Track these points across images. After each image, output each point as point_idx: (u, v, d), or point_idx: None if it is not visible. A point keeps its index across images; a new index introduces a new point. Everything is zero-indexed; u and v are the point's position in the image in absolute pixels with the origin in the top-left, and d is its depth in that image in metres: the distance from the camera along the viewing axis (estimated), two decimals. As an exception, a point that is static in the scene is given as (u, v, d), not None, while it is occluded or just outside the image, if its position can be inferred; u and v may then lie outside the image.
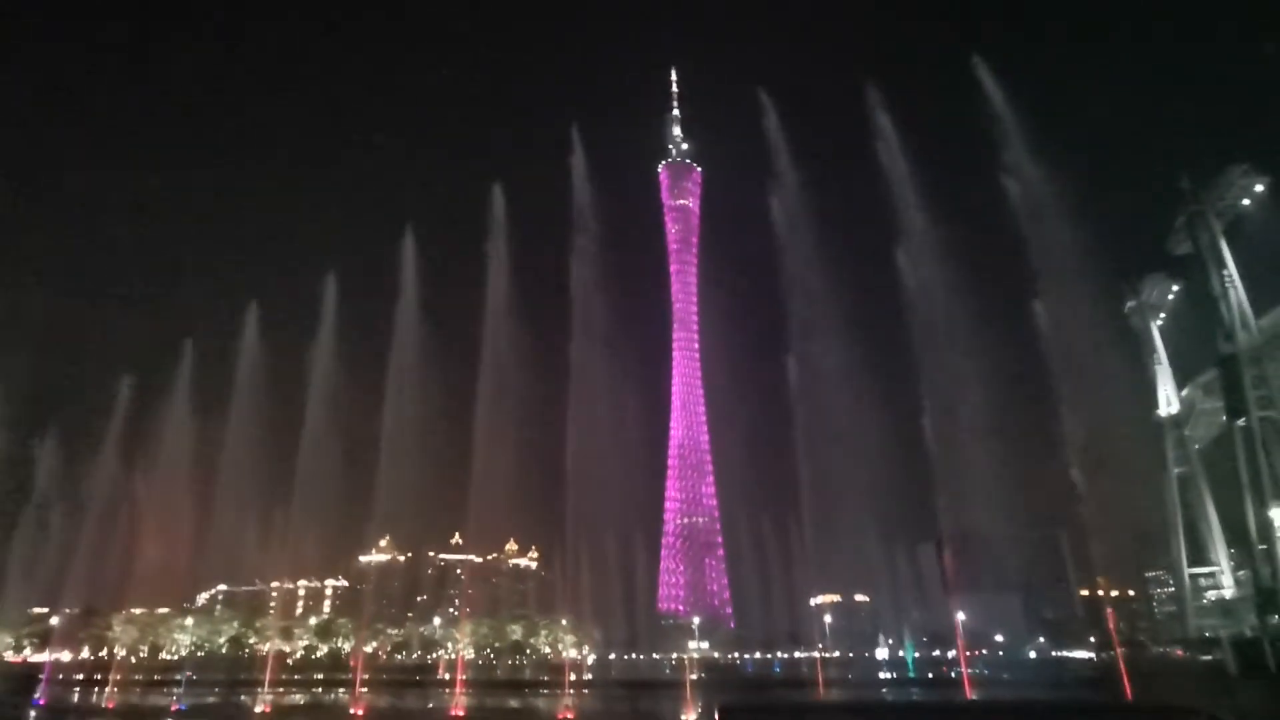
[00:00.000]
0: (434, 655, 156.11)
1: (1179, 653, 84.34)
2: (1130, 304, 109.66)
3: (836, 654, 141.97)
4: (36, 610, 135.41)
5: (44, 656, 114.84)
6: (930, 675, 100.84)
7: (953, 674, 73.37)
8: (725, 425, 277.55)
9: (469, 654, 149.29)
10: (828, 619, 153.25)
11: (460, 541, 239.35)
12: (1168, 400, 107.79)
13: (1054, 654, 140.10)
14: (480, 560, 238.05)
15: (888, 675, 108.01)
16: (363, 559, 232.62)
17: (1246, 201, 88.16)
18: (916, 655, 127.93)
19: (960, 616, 67.87)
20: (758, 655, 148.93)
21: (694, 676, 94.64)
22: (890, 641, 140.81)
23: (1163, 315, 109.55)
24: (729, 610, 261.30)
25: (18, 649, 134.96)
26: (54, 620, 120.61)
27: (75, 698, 79.08)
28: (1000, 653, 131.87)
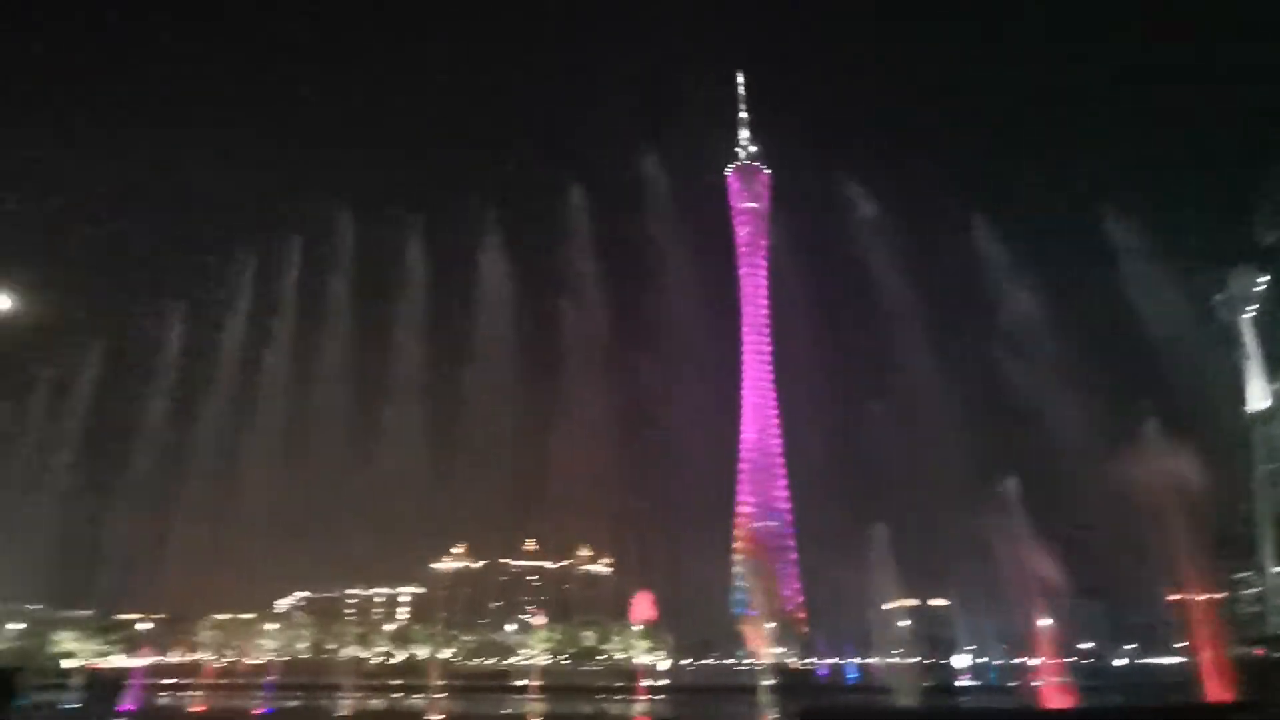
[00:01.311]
0: (509, 661, 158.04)
1: (1258, 652, 79.35)
2: (1218, 297, 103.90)
3: (914, 660, 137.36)
4: (124, 616, 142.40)
5: (133, 662, 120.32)
6: (1013, 683, 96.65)
7: (1037, 683, 69.98)
8: (797, 429, 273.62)
9: (543, 660, 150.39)
10: (904, 624, 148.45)
11: (533, 548, 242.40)
12: (1257, 395, 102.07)
13: (1142, 660, 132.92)
14: (553, 566, 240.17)
15: (969, 683, 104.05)
16: (437, 566, 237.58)
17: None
18: (998, 663, 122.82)
19: (1045, 622, 64.61)
20: (832, 660, 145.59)
21: (768, 682, 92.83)
22: (971, 648, 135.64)
23: (1252, 308, 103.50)
24: (802, 615, 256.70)
25: (106, 655, 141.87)
26: (141, 626, 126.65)
27: (164, 701, 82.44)
28: (1087, 660, 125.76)
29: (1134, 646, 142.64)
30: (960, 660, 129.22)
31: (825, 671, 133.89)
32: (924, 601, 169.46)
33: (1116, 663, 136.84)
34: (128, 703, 71.34)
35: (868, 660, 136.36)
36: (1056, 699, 54.63)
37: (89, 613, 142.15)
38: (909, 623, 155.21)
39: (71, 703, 70.89)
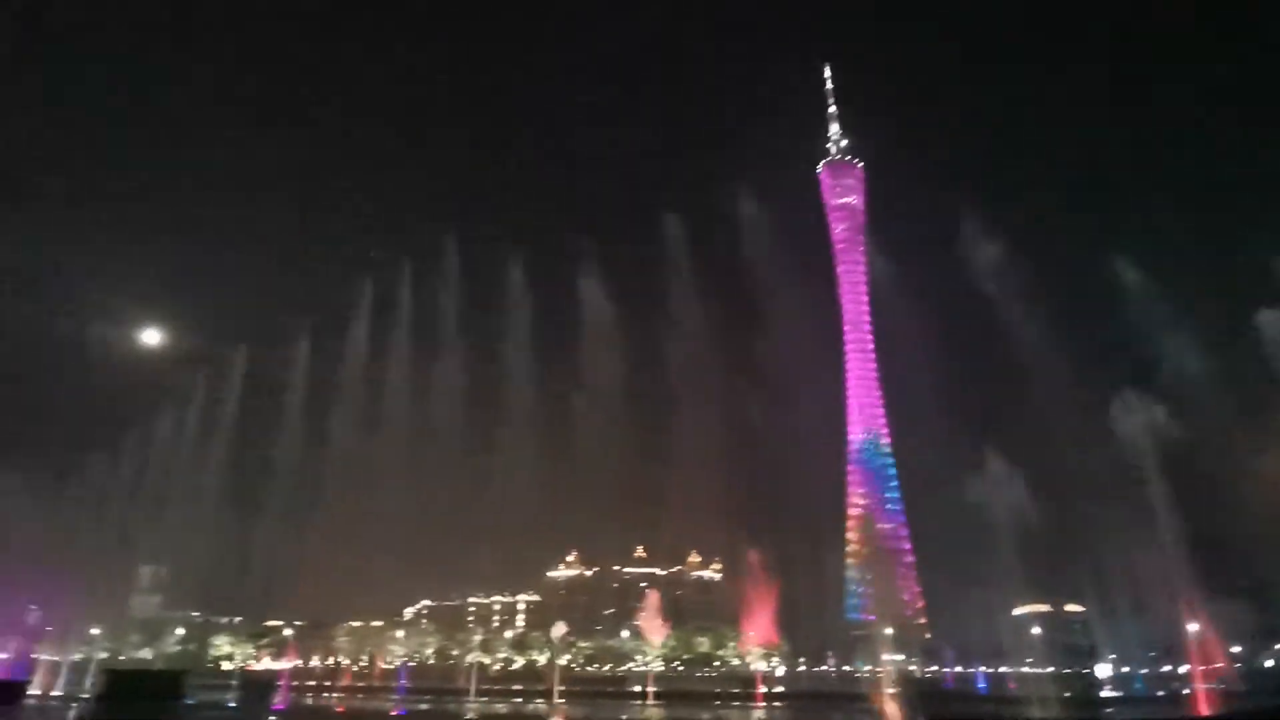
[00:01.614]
0: (624, 667, 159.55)
1: None
2: None
3: (1049, 669, 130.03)
4: (271, 623, 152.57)
5: (280, 665, 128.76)
6: (1162, 693, 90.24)
7: (1186, 690, 65.20)
8: (907, 427, 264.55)
9: (658, 666, 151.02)
10: (1035, 631, 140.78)
11: (644, 555, 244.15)
12: None
13: None
14: (664, 573, 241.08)
15: (1112, 693, 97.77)
16: (551, 574, 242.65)
17: None
18: (1144, 672, 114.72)
19: (1193, 627, 60.10)
20: (957, 669, 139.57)
21: (890, 690, 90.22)
22: (1113, 656, 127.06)
23: None
24: (922, 620, 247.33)
25: (257, 658, 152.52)
26: (286, 631, 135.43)
27: (309, 701, 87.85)
28: (1237, 664, 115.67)
29: None
30: (1103, 670, 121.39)
31: (951, 681, 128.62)
32: (1058, 607, 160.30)
33: (1266, 664, 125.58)
34: (278, 702, 76.41)
35: (998, 669, 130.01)
36: (1214, 706, 50.80)
37: (239, 619, 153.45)
38: (1041, 630, 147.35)
39: (230, 702, 76.73)
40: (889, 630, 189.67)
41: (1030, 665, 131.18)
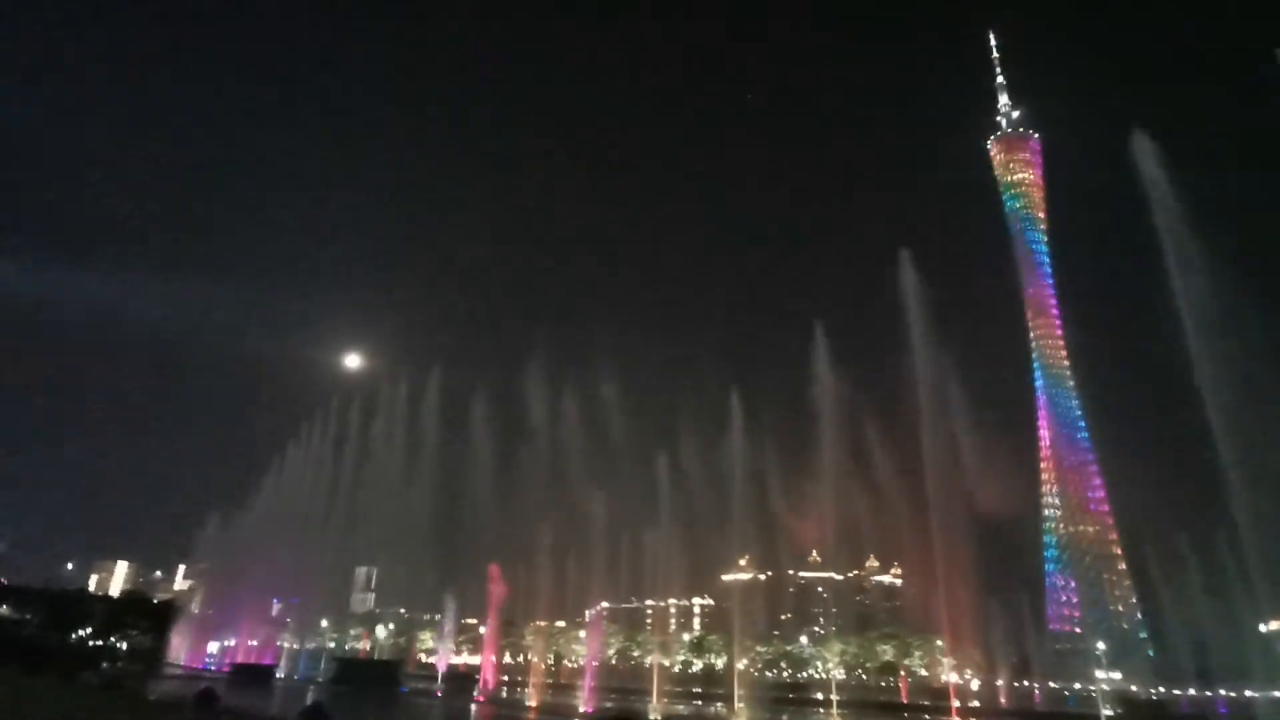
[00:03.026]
0: (804, 673, 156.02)
1: None
2: None
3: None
4: (468, 620, 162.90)
5: (476, 660, 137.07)
6: None
7: None
8: (1107, 420, 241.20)
9: (839, 674, 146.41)
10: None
11: (818, 560, 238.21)
12: None
13: None
14: (841, 578, 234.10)
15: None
16: (725, 578, 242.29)
17: None
18: None
19: None
20: (1191, 691, 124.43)
21: (1109, 712, 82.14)
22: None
23: None
24: (1143, 634, 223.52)
25: (458, 653, 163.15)
26: (483, 630, 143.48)
27: (505, 695, 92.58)
28: None
29: None
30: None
31: (1186, 705, 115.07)
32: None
33: None
34: (478, 694, 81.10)
35: (1243, 693, 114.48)
36: None
37: (440, 616, 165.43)
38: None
39: (437, 691, 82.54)
40: (1101, 645, 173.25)
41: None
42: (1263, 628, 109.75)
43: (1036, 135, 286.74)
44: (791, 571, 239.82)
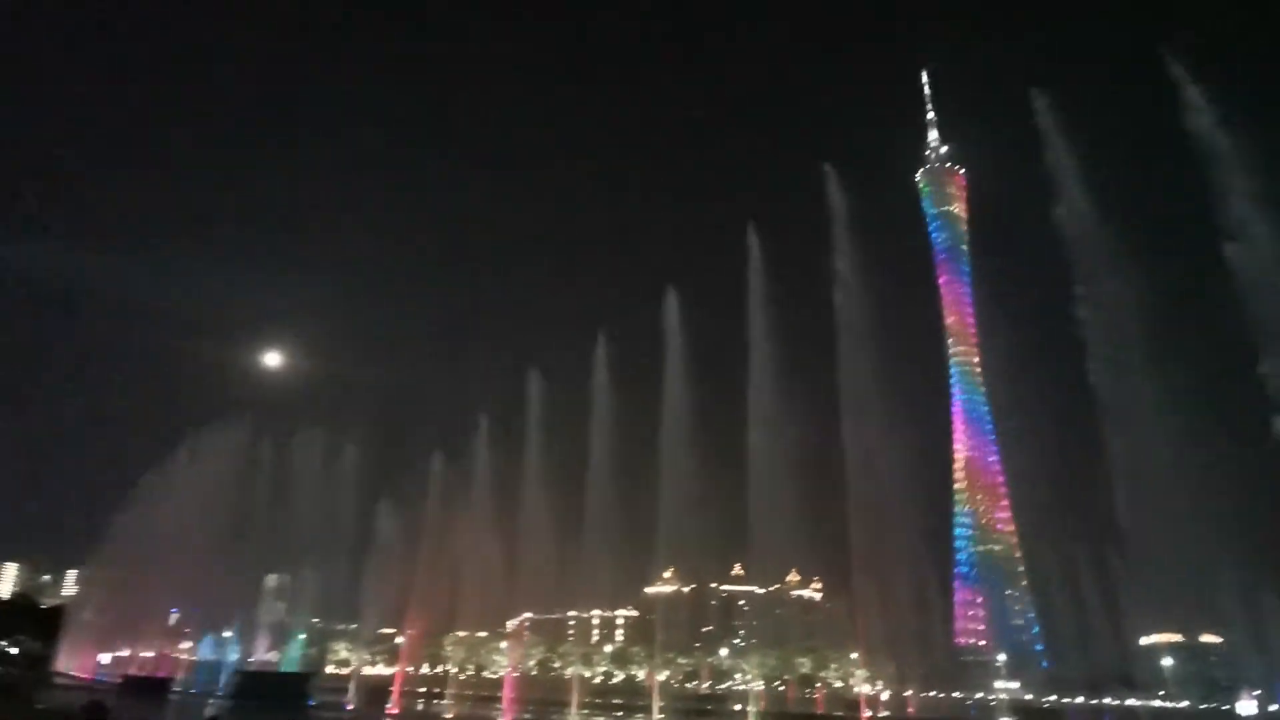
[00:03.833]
0: (724, 685, 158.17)
1: None
2: None
3: (1184, 704, 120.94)
4: (385, 630, 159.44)
5: (392, 671, 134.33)
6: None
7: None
8: (1017, 443, 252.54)
9: (758, 685, 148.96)
10: (1166, 662, 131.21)
11: (741, 573, 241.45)
12: None
13: None
14: (763, 591, 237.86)
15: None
16: (649, 590, 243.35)
17: None
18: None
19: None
20: (1080, 700, 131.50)
21: (1005, 719, 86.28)
22: (1258, 693, 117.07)
23: None
24: (1039, 646, 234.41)
25: (372, 664, 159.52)
26: (399, 639, 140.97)
27: (420, 707, 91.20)
28: None
29: None
30: (1246, 707, 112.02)
31: (1075, 713, 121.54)
32: (1192, 637, 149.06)
33: None
34: (392, 707, 79.69)
35: (1125, 701, 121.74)
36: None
37: (355, 626, 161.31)
38: (1173, 661, 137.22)
39: (348, 704, 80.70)
40: (1002, 656, 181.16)
41: (1163, 699, 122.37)
42: (1143, 640, 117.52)
43: (963, 170, 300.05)
44: (715, 584, 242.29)
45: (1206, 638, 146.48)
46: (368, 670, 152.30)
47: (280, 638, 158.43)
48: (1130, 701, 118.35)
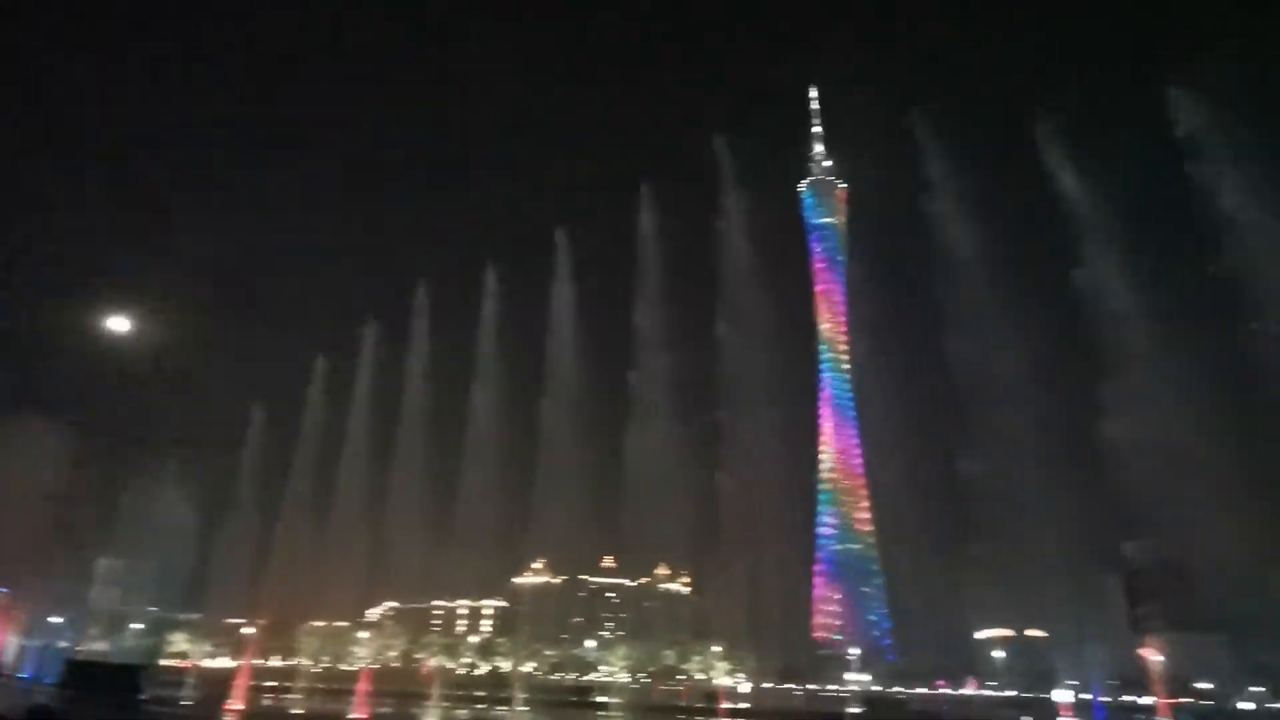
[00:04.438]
0: (589, 677, 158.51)
1: None
2: None
3: (1011, 693, 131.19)
4: (231, 620, 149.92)
5: (238, 664, 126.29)
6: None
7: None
8: (880, 449, 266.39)
9: (623, 677, 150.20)
10: (998, 655, 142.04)
11: (612, 565, 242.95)
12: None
13: (1274, 705, 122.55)
14: (632, 584, 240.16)
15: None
16: (518, 580, 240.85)
17: None
18: (1105, 700, 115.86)
19: (1156, 658, 60.69)
20: (921, 690, 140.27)
21: (854, 710, 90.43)
22: (1074, 683, 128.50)
23: None
24: (888, 641, 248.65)
25: (215, 656, 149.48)
26: (247, 630, 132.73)
27: (267, 703, 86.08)
28: (1207, 701, 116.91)
29: (1263, 689, 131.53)
30: (1062, 696, 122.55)
31: (915, 702, 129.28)
32: (1020, 632, 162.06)
33: (1241, 705, 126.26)
34: (235, 702, 74.80)
35: (960, 691, 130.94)
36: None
37: (198, 616, 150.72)
38: (1004, 654, 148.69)
39: (186, 699, 75.08)
40: (855, 650, 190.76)
41: (993, 688, 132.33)
42: (978, 635, 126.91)
43: (844, 184, 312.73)
44: (585, 576, 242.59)
45: (1033, 632, 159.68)
46: (209, 663, 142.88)
47: (114, 626, 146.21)
48: (966, 691, 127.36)
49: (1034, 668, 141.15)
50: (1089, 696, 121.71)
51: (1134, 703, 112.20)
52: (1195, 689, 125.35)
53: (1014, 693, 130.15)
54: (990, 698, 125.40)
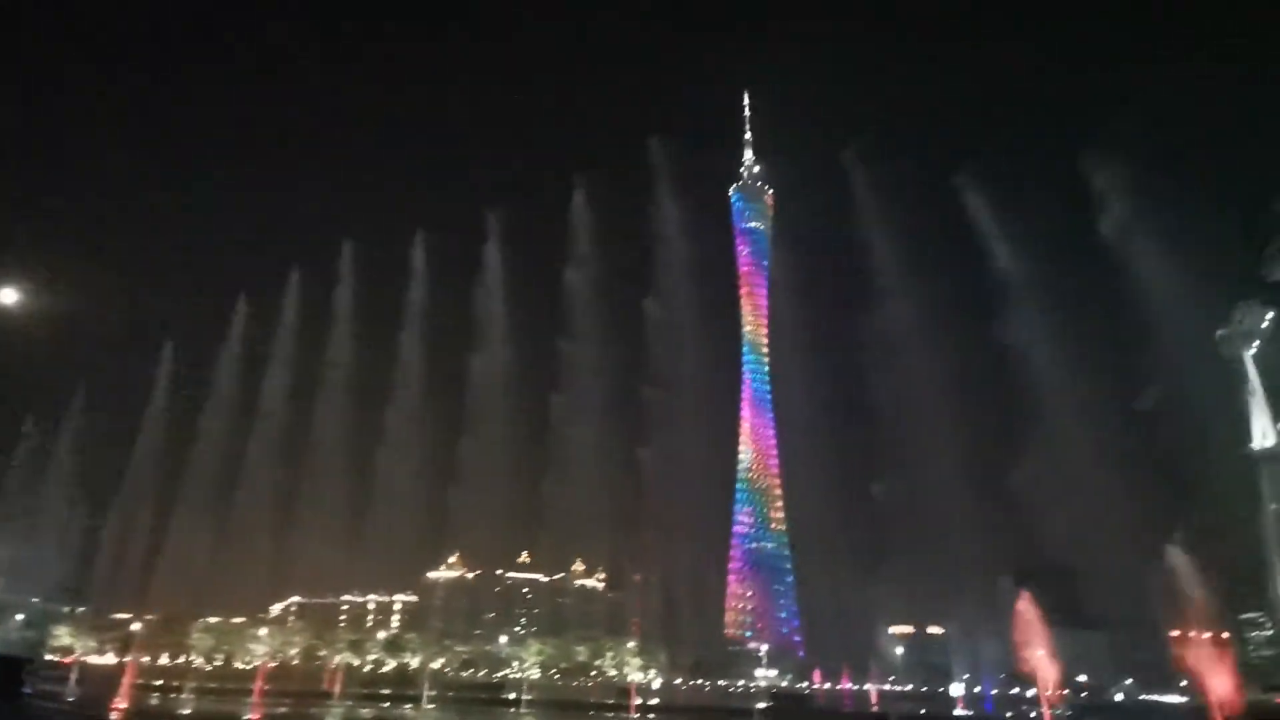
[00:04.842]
0: (501, 674, 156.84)
1: (1278, 699, 77.66)
2: (1221, 332, 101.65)
3: (909, 688, 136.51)
4: (119, 615, 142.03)
5: (126, 660, 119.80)
6: (1009, 715, 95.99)
7: (1034, 714, 69.62)
8: (796, 450, 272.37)
9: (535, 674, 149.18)
10: (900, 651, 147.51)
11: (528, 560, 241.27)
12: (1263, 433, 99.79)
13: (1143, 697, 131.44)
14: (547, 580, 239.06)
15: (964, 713, 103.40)
16: (432, 575, 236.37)
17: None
18: (995, 693, 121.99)
19: (1041, 654, 64.19)
20: (827, 685, 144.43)
21: (761, 705, 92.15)
22: (966, 677, 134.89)
23: (1257, 344, 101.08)
24: (798, 638, 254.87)
25: (101, 652, 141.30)
26: (135, 626, 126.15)
27: (155, 702, 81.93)
28: (1084, 694, 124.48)
29: (1131, 682, 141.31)
30: (955, 689, 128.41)
31: (821, 698, 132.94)
32: (922, 629, 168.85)
33: (1116, 697, 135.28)
34: (120, 700, 71.03)
35: (863, 686, 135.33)
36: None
37: (84, 609, 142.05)
38: (905, 650, 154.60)
39: (69, 695, 70.82)
40: (765, 647, 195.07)
41: (893, 683, 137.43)
42: (885, 632, 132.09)
43: (772, 190, 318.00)
44: (500, 571, 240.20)
45: (933, 629, 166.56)
46: (94, 659, 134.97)
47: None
48: (868, 686, 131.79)
49: (932, 663, 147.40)
50: (980, 689, 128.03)
51: (1020, 694, 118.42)
52: (1076, 683, 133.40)
53: (911, 687, 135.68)
54: (890, 692, 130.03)
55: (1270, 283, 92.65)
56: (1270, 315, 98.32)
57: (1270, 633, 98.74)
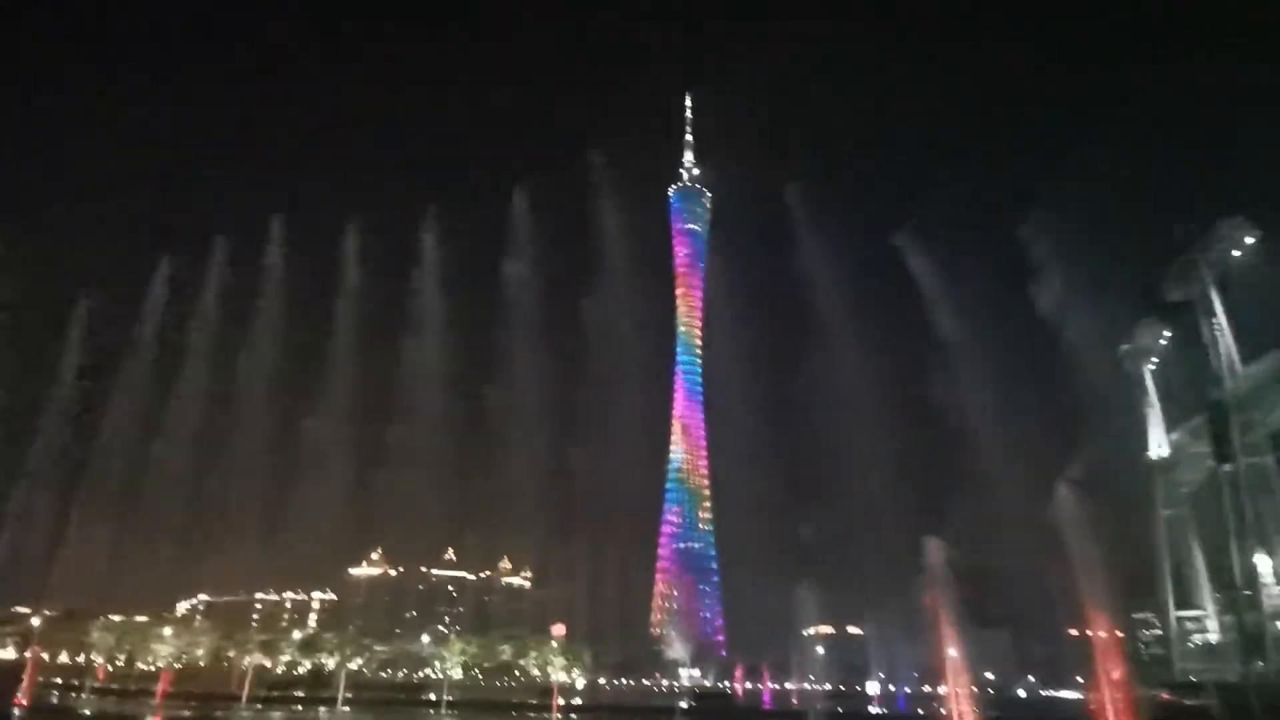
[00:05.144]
0: (421, 673, 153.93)
1: (1164, 695, 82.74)
2: (1124, 347, 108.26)
3: (827, 686, 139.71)
4: (18, 609, 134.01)
5: (24, 657, 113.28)
6: (920, 712, 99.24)
7: (943, 711, 72.16)
8: (725, 450, 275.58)
9: (457, 673, 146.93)
10: (820, 650, 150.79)
11: (454, 558, 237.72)
12: (1158, 444, 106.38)
13: (1043, 693, 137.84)
14: (473, 578, 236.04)
15: (878, 711, 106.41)
16: (353, 572, 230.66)
17: (1237, 253, 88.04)
18: (908, 691, 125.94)
19: (951, 652, 66.55)
20: (748, 685, 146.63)
21: (683, 704, 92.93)
22: (882, 676, 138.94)
23: (1154, 360, 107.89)
24: (720, 638, 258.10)
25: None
26: (35, 620, 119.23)
27: (55, 700, 77.75)
28: (989, 690, 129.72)
29: (1033, 678, 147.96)
30: (871, 687, 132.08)
31: (742, 695, 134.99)
32: (842, 629, 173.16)
33: (1019, 693, 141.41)
34: (20, 697, 67.18)
35: (783, 685, 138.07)
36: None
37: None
38: (824, 649, 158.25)
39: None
40: (689, 646, 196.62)
41: (812, 682, 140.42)
42: (806, 631, 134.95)
43: (710, 193, 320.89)
44: (424, 569, 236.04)
45: (851, 629, 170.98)
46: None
47: None
48: (788, 685, 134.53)
49: (851, 662, 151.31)
50: (894, 688, 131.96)
51: (932, 692, 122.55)
52: (982, 679, 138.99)
53: (830, 686, 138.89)
54: (810, 690, 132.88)
55: (1168, 302, 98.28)
56: (1167, 334, 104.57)
57: (1159, 632, 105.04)
